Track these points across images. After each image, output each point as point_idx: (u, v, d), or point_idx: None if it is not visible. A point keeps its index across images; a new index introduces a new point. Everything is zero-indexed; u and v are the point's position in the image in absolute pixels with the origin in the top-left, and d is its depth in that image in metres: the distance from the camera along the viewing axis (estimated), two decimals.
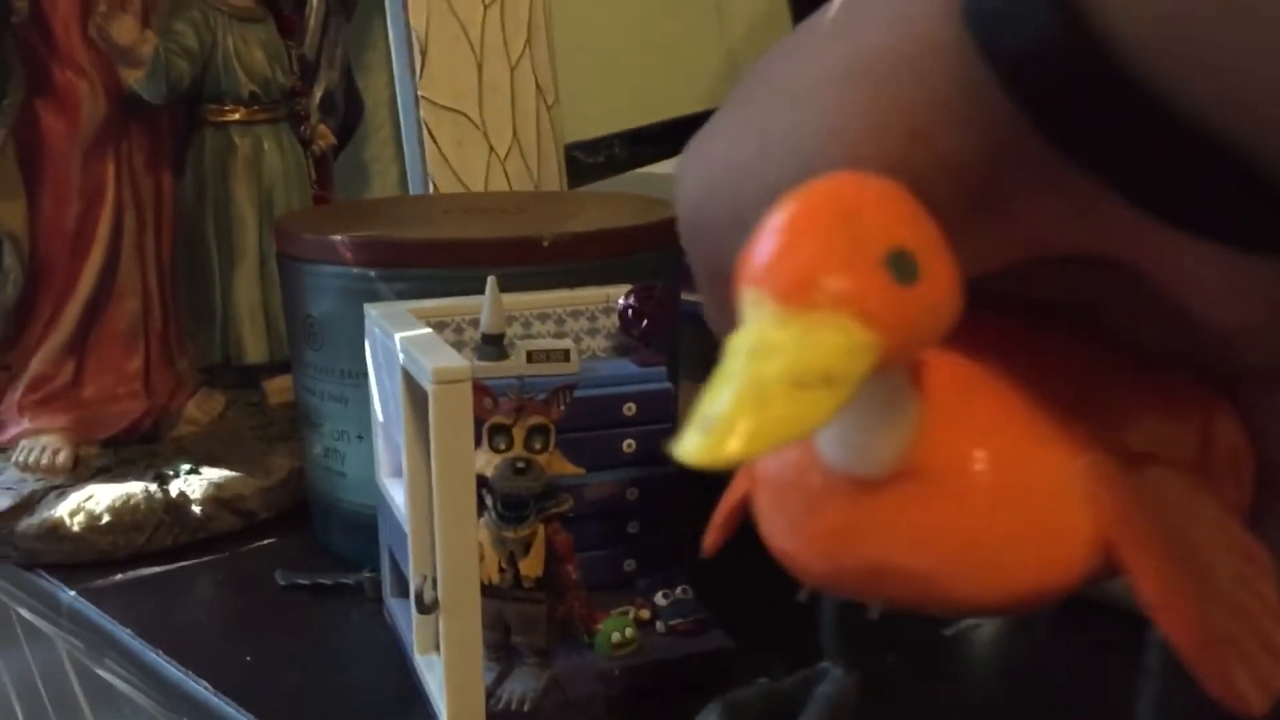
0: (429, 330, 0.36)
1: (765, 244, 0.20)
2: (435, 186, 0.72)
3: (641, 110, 0.94)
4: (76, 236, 0.50)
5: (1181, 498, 0.24)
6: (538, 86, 0.76)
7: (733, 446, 0.17)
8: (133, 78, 0.49)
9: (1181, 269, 0.21)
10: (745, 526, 0.38)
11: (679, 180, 0.26)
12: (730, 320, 0.22)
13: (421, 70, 0.71)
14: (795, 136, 0.23)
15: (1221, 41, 0.17)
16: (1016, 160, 0.20)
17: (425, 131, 0.71)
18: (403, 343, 0.35)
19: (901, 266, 0.19)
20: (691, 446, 0.18)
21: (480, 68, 0.73)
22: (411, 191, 0.74)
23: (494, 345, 0.40)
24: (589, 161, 0.89)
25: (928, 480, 0.22)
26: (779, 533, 0.24)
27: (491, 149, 0.73)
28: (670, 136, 0.92)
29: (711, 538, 0.31)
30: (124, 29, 0.48)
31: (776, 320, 0.19)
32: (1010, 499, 0.22)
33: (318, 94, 0.61)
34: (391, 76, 0.76)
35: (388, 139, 0.83)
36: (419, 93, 0.71)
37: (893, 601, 0.24)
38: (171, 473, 0.50)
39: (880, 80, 0.21)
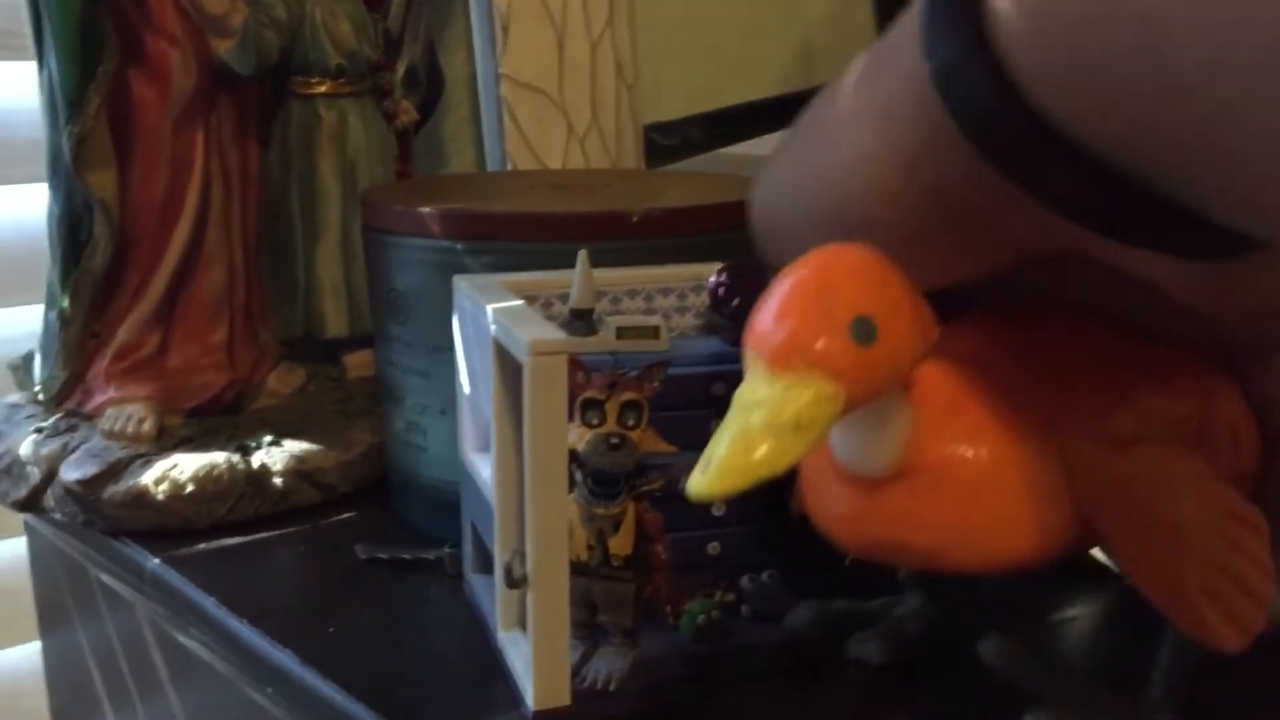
0: (521, 302, 0.36)
1: (761, 314, 0.25)
2: (513, 165, 0.71)
3: (718, 93, 0.93)
4: (165, 206, 0.50)
5: (1164, 474, 0.28)
6: (618, 65, 0.75)
7: (724, 484, 0.23)
8: (223, 48, 0.49)
9: (1137, 267, 0.26)
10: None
11: (750, 201, 0.33)
12: None
13: (503, 47, 0.70)
14: (826, 168, 0.28)
15: (1108, 95, 0.21)
16: (986, 186, 0.25)
17: (505, 109, 0.71)
18: (495, 314, 0.35)
19: (862, 331, 0.24)
20: (694, 485, 0.24)
21: (561, 45, 0.72)
22: (489, 169, 0.74)
23: (583, 320, 0.39)
24: (666, 143, 0.88)
25: (920, 478, 0.27)
26: (817, 516, 0.30)
27: (570, 128, 0.73)
28: (748, 119, 0.91)
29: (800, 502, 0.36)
30: None
31: (764, 378, 0.24)
32: (991, 490, 0.27)
33: (401, 69, 0.60)
34: (470, 55, 0.76)
35: (465, 118, 0.83)
36: (499, 70, 0.71)
37: (909, 567, 0.30)
38: (254, 444, 0.50)
39: (881, 125, 0.26)
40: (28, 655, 0.76)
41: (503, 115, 0.71)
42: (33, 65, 0.69)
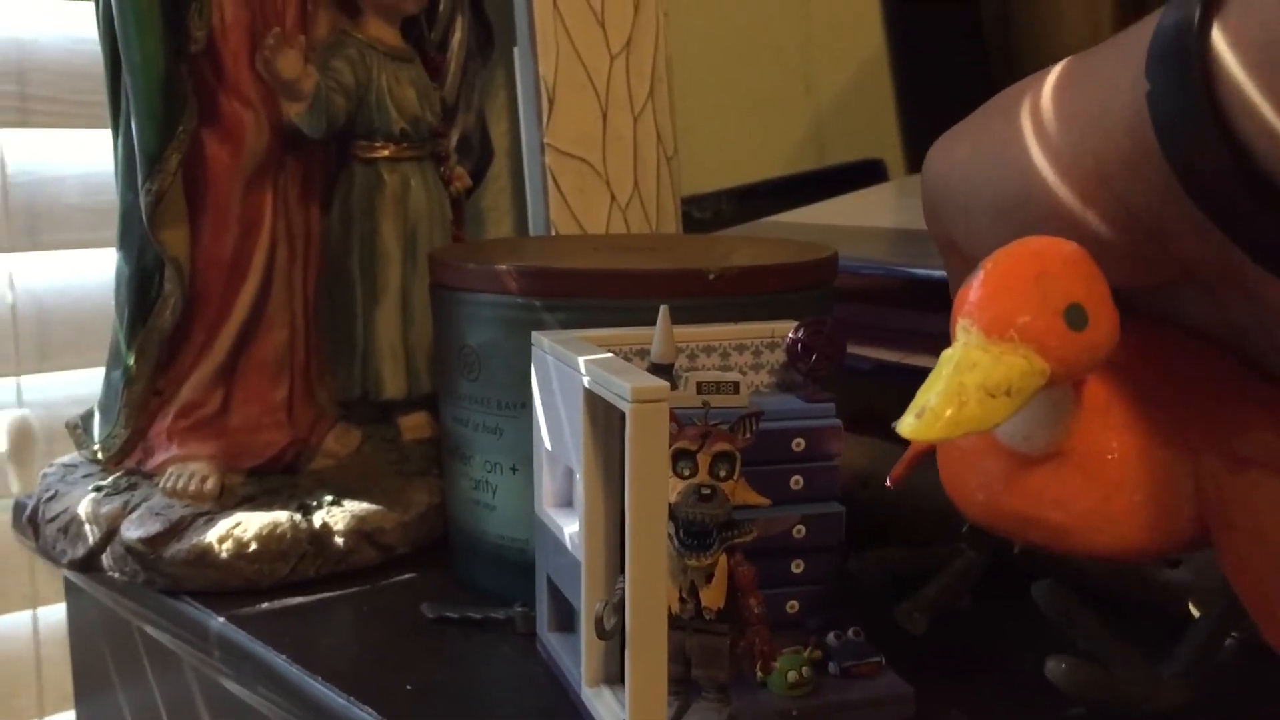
0: (611, 354, 0.36)
1: (978, 287, 0.28)
2: (556, 232, 0.72)
3: (743, 169, 0.95)
4: (233, 265, 0.50)
5: (1275, 496, 0.30)
6: (658, 137, 0.76)
7: (936, 430, 0.26)
8: (293, 111, 0.50)
9: None
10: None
11: (925, 169, 0.35)
12: (957, 280, 0.35)
13: (548, 117, 0.71)
14: (1023, 162, 0.31)
15: None
16: (1174, 209, 0.27)
17: (549, 178, 0.72)
18: (587, 366, 0.35)
19: (1074, 317, 0.27)
20: (907, 426, 0.26)
21: (605, 116, 0.73)
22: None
23: (664, 375, 0.39)
24: (699, 216, 0.90)
25: (1072, 462, 0.30)
26: (956, 484, 0.33)
27: (613, 197, 0.74)
28: (775, 194, 0.93)
29: (898, 471, 0.40)
30: (289, 63, 0.49)
31: (979, 345, 0.27)
32: (1131, 481, 0.30)
33: (455, 137, 0.61)
34: (511, 126, 0.77)
35: (505, 188, 0.84)
36: (544, 139, 0.72)
37: (1032, 544, 0.32)
38: (314, 503, 0.50)
39: (1088, 137, 0.29)
40: None
41: (547, 184, 0.72)
42: (77, 134, 0.70)
